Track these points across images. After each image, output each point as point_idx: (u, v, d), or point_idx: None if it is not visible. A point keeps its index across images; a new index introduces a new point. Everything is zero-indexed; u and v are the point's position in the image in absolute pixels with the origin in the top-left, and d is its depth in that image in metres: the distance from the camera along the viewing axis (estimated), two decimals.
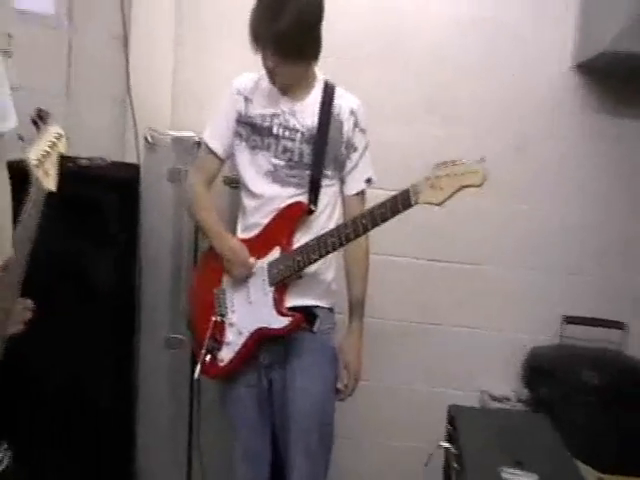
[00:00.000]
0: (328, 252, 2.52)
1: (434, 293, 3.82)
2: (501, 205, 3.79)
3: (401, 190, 2.34)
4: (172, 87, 3.74)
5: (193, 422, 3.46)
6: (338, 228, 2.49)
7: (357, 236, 2.48)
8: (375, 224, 2.44)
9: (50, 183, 2.16)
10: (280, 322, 2.59)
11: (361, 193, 2.79)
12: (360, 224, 2.46)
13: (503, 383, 3.79)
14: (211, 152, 2.77)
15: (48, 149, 2.16)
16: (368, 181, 2.78)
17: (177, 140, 3.24)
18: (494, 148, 3.63)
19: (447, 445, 2.84)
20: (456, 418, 2.93)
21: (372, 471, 3.93)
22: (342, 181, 2.76)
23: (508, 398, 3.69)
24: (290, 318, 2.58)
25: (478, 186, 2.21)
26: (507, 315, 3.86)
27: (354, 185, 2.77)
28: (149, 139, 3.45)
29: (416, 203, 2.31)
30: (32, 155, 2.10)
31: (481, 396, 3.79)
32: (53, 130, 2.21)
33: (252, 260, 2.66)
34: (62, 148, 2.24)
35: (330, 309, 2.79)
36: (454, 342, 3.84)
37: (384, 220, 2.39)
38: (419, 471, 3.03)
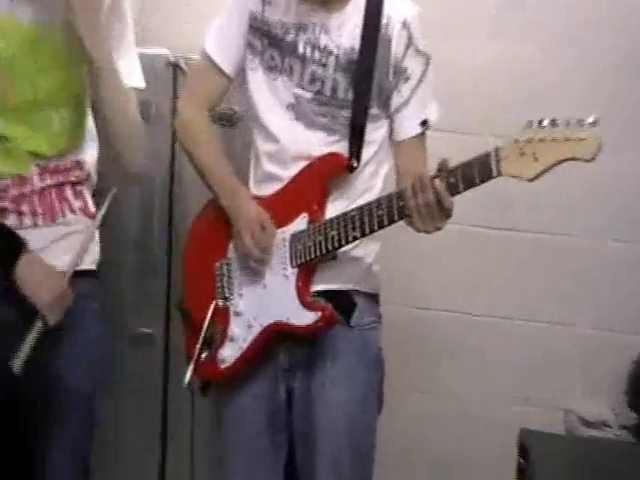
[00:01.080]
0: (373, 230, 2.13)
1: (503, 275, 3.25)
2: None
3: (479, 154, 1.96)
4: None
5: (167, 450, 3.04)
6: (389, 198, 2.09)
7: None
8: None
9: None
10: (303, 317, 2.20)
11: (416, 139, 2.34)
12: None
13: (599, 402, 3.22)
14: (215, 68, 2.36)
15: None
16: (424, 123, 2.31)
17: (143, 60, 2.54)
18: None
19: None
20: (531, 448, 2.58)
21: None
22: (391, 122, 2.32)
23: (606, 423, 3.15)
24: (318, 313, 2.17)
25: (588, 160, 1.83)
26: (606, 308, 3.22)
27: (404, 128, 2.33)
28: None
29: (499, 175, 1.94)
30: None
31: (567, 418, 3.21)
32: None
33: (270, 235, 2.25)
34: None
35: (373, 295, 2.39)
36: (531, 342, 3.27)
37: (453, 193, 2.00)
38: None
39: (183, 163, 2.75)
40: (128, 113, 2.14)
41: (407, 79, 2.28)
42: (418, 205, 2.02)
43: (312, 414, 2.30)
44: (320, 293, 2.25)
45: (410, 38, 2.27)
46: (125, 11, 2.16)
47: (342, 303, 2.29)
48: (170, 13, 3.16)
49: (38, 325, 2.03)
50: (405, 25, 2.26)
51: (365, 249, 2.33)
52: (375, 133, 2.31)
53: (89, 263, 2.21)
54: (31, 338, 2.01)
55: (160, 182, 2.94)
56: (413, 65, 2.29)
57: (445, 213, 2.03)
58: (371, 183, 2.31)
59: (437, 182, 2.00)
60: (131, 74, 2.17)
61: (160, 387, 3.03)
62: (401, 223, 2.14)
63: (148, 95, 2.66)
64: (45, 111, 2.07)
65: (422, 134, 2.33)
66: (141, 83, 2.21)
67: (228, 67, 2.37)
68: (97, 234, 2.24)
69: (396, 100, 2.29)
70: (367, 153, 2.29)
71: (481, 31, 3.13)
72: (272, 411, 2.36)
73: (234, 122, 2.79)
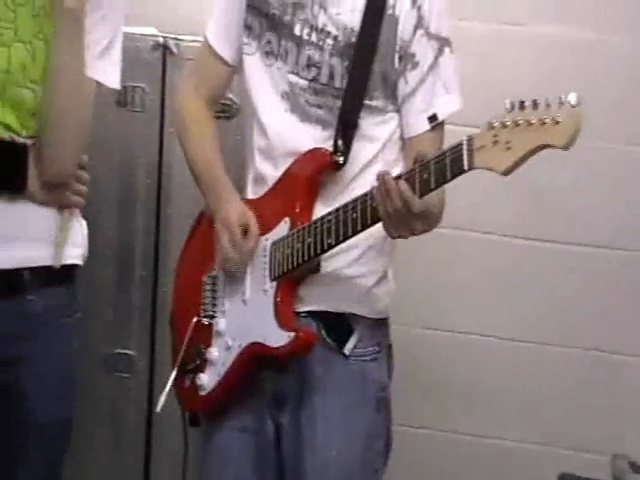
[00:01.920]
0: (348, 236, 1.99)
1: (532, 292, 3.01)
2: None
3: (451, 145, 1.84)
4: None
5: None
6: (364, 197, 1.96)
7: None
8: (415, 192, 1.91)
9: None
10: (279, 338, 2.07)
11: (427, 137, 2.16)
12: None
13: None
14: (215, 56, 2.29)
15: None
16: (432, 118, 2.14)
17: (129, 40, 2.41)
18: None
19: None
20: None
21: None
22: (399, 116, 2.18)
23: None
24: (292, 334, 2.04)
25: (563, 147, 1.66)
26: None
27: (411, 123, 2.16)
28: None
29: (471, 168, 1.81)
30: None
31: (615, 462, 2.91)
32: None
33: (252, 240, 2.15)
34: None
35: (378, 320, 2.21)
36: (569, 371, 3.04)
37: (425, 190, 1.86)
38: None
39: (172, 153, 2.73)
40: (79, 109, 2.00)
41: (415, 66, 2.12)
42: (387, 211, 1.88)
43: (301, 458, 2.16)
44: (311, 314, 2.12)
45: (420, 19, 2.11)
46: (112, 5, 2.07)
47: (336, 327, 2.16)
48: None
49: None
50: (415, 3, 2.10)
51: (367, 266, 2.17)
52: (378, 128, 2.16)
53: (74, 256, 2.05)
54: None
55: (147, 173, 2.83)
56: (423, 50, 2.12)
57: (420, 217, 1.90)
58: None
59: (402, 184, 1.86)
60: (107, 73, 2.06)
61: (142, 420, 2.87)
62: None
63: (135, 80, 2.72)
64: (18, 87, 1.95)
65: (435, 131, 2.16)
66: (115, 85, 2.09)
67: (229, 55, 2.28)
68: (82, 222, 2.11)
69: (402, 90, 2.13)
70: (367, 152, 2.15)
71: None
72: (260, 448, 2.22)
73: (232, 114, 2.71)
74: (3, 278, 1.98)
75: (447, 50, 2.13)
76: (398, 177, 1.86)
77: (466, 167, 1.80)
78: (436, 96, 2.14)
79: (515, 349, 3.04)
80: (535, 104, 1.69)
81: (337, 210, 2.00)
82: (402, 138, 2.19)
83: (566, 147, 1.66)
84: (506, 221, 3.00)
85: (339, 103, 2.11)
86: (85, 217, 2.17)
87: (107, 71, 2.05)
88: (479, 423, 3.11)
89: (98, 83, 2.05)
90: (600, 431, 3.03)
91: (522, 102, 1.71)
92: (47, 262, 2.01)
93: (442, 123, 2.15)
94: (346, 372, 2.16)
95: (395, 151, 2.18)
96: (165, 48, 2.75)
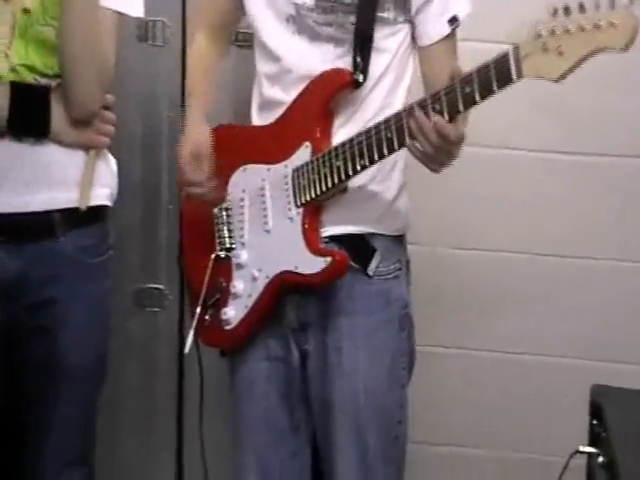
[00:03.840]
0: (383, 156, 1.95)
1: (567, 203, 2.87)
2: None
3: (495, 56, 1.77)
4: None
5: (184, 427, 2.90)
6: (398, 117, 1.90)
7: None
8: (455, 110, 1.83)
9: None
10: (313, 264, 2.05)
11: (445, 42, 2.12)
12: (430, 108, 1.86)
13: None
14: None
15: None
16: (453, 20, 2.10)
17: None
18: None
19: (590, 450, 2.21)
20: (605, 406, 2.25)
21: None
22: (412, 25, 2.12)
23: None
24: (328, 258, 2.03)
25: (622, 50, 1.61)
26: None
27: (430, 29, 2.11)
28: None
29: (520, 77, 1.75)
30: None
31: None
32: None
33: (278, 175, 2.11)
34: None
35: (398, 237, 2.20)
36: (610, 282, 2.90)
37: (468, 104, 1.81)
38: None
39: None
40: (97, 44, 1.98)
41: None
42: (424, 147, 1.87)
43: (329, 384, 2.15)
44: (332, 239, 2.09)
45: None
46: None
47: (358, 249, 2.12)
48: None
49: None
50: None
51: (385, 182, 2.13)
52: (388, 40, 2.09)
53: (102, 197, 2.09)
54: None
55: (170, 107, 2.77)
56: None
57: (455, 144, 1.87)
58: (389, 100, 2.09)
59: (437, 119, 1.83)
60: (129, 1, 2.05)
61: (174, 358, 2.89)
62: None
63: (154, 14, 2.60)
64: (39, 25, 1.95)
65: (451, 35, 2.12)
66: (139, 13, 2.09)
67: None
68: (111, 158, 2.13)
69: None
70: (379, 64, 2.09)
71: None
72: (287, 379, 2.20)
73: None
74: (33, 221, 2.00)
75: None
76: (435, 95, 1.83)
77: (514, 76, 1.76)
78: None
79: (542, 264, 2.95)
80: (582, 7, 1.65)
81: (368, 131, 1.96)
82: (412, 49, 2.15)
83: (626, 49, 1.62)
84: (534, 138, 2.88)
85: (351, 18, 2.06)
86: (111, 153, 2.16)
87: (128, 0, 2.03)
88: (503, 339, 3.02)
89: (120, 15, 2.02)
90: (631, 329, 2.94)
91: (567, 7, 1.67)
92: (74, 204, 2.02)
93: (456, 31, 2.11)
94: (370, 292, 2.15)
95: (404, 62, 2.14)
96: None
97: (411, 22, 2.10)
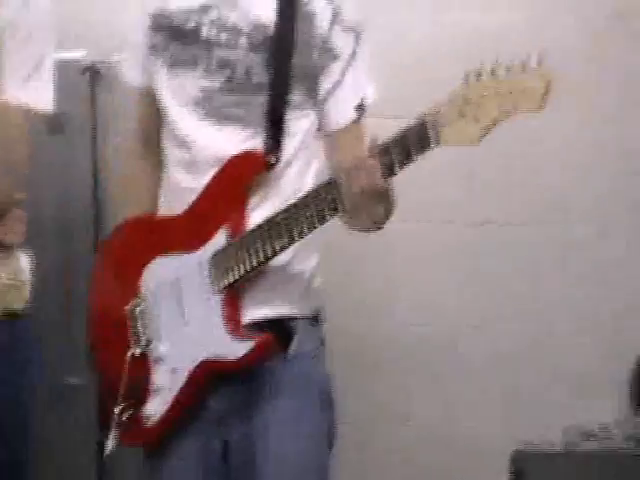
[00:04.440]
0: (303, 234, 1.97)
1: (484, 276, 3.18)
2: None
3: (413, 124, 1.81)
4: None
5: None
6: (317, 192, 1.94)
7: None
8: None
9: None
10: (235, 350, 2.03)
11: (352, 128, 2.17)
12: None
13: (601, 409, 3.12)
14: (133, 90, 2.31)
15: None
16: (360, 108, 2.15)
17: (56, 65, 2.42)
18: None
19: None
20: (525, 472, 2.50)
21: None
22: (319, 110, 2.18)
23: (609, 432, 3.04)
24: (252, 341, 2.02)
25: (536, 111, 1.69)
26: (606, 302, 3.12)
27: (338, 114, 2.16)
28: None
29: (437, 144, 1.79)
30: None
31: (564, 434, 3.07)
32: None
33: (192, 264, 2.12)
34: None
35: (314, 318, 2.21)
36: (515, 348, 3.17)
37: (390, 174, 1.85)
38: None
39: (107, 180, 2.75)
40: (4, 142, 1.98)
41: (336, 57, 2.12)
42: (352, 193, 1.86)
43: (256, 469, 2.11)
44: (251, 325, 2.08)
45: (336, 14, 2.11)
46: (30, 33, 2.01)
47: (276, 333, 2.10)
48: (82, 8, 3.04)
49: None
50: None
51: (304, 262, 2.15)
52: (298, 123, 2.12)
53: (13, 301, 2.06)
54: None
55: (81, 198, 2.84)
56: (341, 43, 2.12)
57: (383, 201, 1.90)
58: (301, 183, 2.12)
59: (371, 161, 1.84)
60: (37, 95, 2.02)
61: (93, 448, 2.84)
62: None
63: (67, 105, 2.57)
64: None
65: (359, 121, 2.15)
66: (47, 106, 2.06)
67: (141, 82, 2.26)
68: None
69: (326, 83, 2.12)
70: (290, 147, 2.12)
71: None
72: (208, 469, 2.17)
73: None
74: None
75: (362, 40, 2.14)
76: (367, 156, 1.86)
77: (433, 145, 1.79)
78: (360, 85, 2.15)
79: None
80: (494, 72, 1.70)
81: (286, 210, 1.97)
82: (317, 136, 2.17)
83: (539, 110, 1.67)
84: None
85: (260, 99, 2.08)
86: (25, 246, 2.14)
87: (36, 93, 2.01)
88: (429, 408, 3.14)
89: (29, 111, 2.00)
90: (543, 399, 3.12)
91: (479, 73, 1.72)
92: None
93: (362, 118, 2.14)
94: (290, 375, 2.13)
95: (311, 149, 2.17)
96: (94, 71, 2.76)
97: (318, 109, 2.14)
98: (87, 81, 2.76)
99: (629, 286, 3.13)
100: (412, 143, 1.79)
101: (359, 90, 2.14)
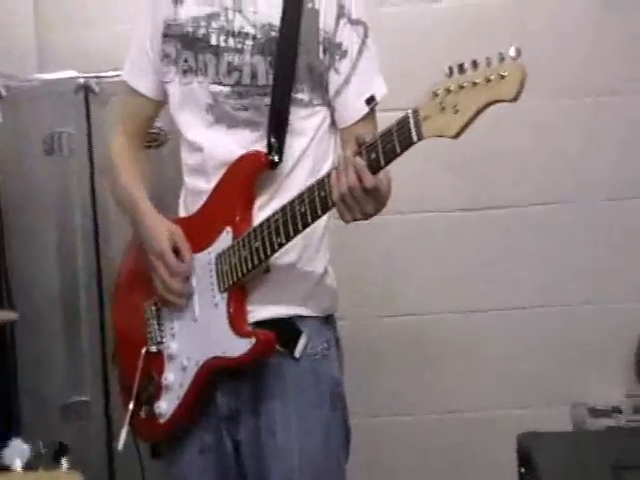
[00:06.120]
0: (298, 231, 1.98)
1: (484, 261, 3.18)
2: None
3: (397, 120, 1.83)
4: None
5: None
6: (311, 190, 1.95)
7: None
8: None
9: None
10: (238, 347, 2.04)
11: (365, 122, 2.13)
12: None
13: (609, 386, 3.08)
14: (136, 93, 2.27)
15: None
16: (370, 101, 2.09)
17: (49, 86, 2.66)
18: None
19: None
20: (533, 452, 2.37)
21: None
22: (331, 106, 2.16)
23: (618, 409, 3.02)
24: (252, 339, 2.03)
25: (512, 101, 1.69)
26: (611, 280, 3.12)
27: (349, 111, 2.14)
28: (1, 91, 2.88)
29: (420, 139, 1.80)
30: None
31: (574, 412, 3.08)
32: None
33: (186, 262, 2.12)
34: None
35: (326, 318, 2.19)
36: (520, 330, 3.18)
37: (376, 170, 1.86)
38: None
39: (105, 197, 2.68)
40: None
41: (344, 55, 2.10)
42: (341, 191, 1.86)
43: (265, 468, 2.12)
44: (258, 324, 2.08)
45: (341, 7, 2.09)
46: None
47: (284, 333, 2.11)
48: (70, 28, 3.09)
49: None
50: None
51: (311, 263, 2.14)
52: (305, 122, 2.12)
53: None
54: None
55: (81, 216, 2.81)
56: (348, 38, 2.10)
57: (372, 195, 1.87)
58: (311, 181, 2.06)
59: (357, 159, 1.85)
60: None
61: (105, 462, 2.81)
62: None
63: (60, 126, 2.68)
64: None
65: (370, 114, 2.13)
66: None
67: (148, 89, 2.25)
68: None
69: (335, 80, 2.10)
70: (297, 146, 2.11)
71: None
72: (221, 466, 2.18)
73: (161, 142, 2.74)
74: None
75: (369, 33, 2.12)
76: (354, 154, 1.85)
77: (415, 139, 1.79)
78: (371, 78, 2.14)
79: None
80: (475, 64, 1.70)
81: (283, 208, 1.97)
82: (332, 132, 2.17)
83: (515, 99, 1.67)
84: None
85: (266, 100, 2.08)
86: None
87: None
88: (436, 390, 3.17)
89: None
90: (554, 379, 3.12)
91: (461, 65, 1.72)
92: None
93: (375, 109, 2.12)
94: (298, 373, 2.13)
95: (324, 145, 2.16)
96: (87, 89, 2.75)
97: (330, 105, 2.13)
98: (81, 100, 2.75)
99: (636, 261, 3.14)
100: (396, 138, 1.80)
101: (370, 83, 2.13)
